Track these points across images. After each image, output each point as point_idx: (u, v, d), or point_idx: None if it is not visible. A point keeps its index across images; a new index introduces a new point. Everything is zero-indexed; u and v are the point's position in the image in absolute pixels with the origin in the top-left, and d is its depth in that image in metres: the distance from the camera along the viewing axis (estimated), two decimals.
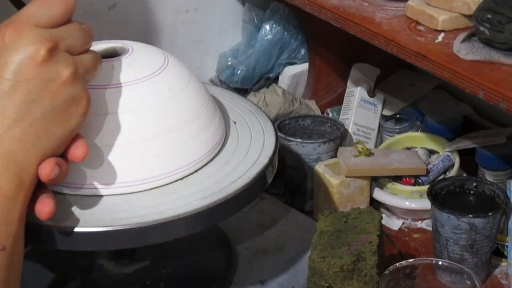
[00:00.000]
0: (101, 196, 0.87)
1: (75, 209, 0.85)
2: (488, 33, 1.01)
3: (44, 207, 0.77)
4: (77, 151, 0.80)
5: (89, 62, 0.80)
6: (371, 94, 1.43)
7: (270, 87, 1.46)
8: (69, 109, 0.77)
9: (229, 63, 1.57)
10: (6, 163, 0.74)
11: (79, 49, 0.79)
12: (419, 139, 1.37)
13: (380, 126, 1.43)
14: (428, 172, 1.29)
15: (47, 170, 0.76)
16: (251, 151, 0.96)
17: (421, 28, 1.10)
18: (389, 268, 0.94)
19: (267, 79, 1.56)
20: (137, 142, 0.87)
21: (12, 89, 0.74)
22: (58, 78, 0.76)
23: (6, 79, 0.74)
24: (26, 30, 0.75)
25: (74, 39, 0.78)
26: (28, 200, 0.76)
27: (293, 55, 1.55)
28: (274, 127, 1.02)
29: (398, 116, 1.44)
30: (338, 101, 1.48)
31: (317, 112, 1.47)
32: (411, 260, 0.96)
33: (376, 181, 1.29)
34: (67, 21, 0.78)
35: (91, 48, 0.82)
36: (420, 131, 1.40)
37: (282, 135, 1.30)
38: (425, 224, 1.27)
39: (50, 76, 0.75)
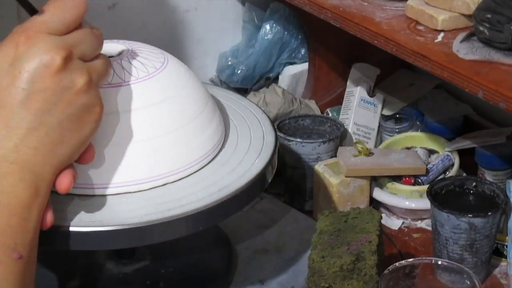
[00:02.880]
0: (101, 196, 0.87)
1: (74, 209, 0.85)
2: (487, 33, 1.01)
3: (43, 220, 0.76)
4: (85, 154, 0.80)
5: (101, 67, 0.79)
6: (371, 94, 1.43)
7: (270, 87, 1.47)
8: (83, 117, 0.77)
9: (229, 63, 1.57)
10: (23, 172, 0.74)
11: (92, 55, 0.79)
12: (419, 139, 1.37)
13: (380, 126, 1.43)
14: (427, 172, 1.29)
15: (66, 184, 0.77)
16: (250, 150, 0.96)
17: (421, 28, 1.10)
18: (389, 267, 0.94)
19: (267, 79, 1.57)
20: (136, 142, 0.87)
21: (28, 99, 0.74)
22: (73, 87, 0.75)
23: (22, 89, 0.74)
24: (39, 38, 0.74)
25: (87, 45, 0.78)
26: (43, 208, 0.75)
27: (293, 55, 1.55)
28: (274, 127, 1.02)
29: (398, 116, 1.44)
30: (338, 101, 1.48)
31: (317, 111, 1.47)
32: (410, 259, 0.96)
33: (376, 180, 1.30)
34: (78, 25, 0.78)
35: None
36: (420, 131, 1.40)
37: (282, 135, 1.30)
38: (425, 224, 1.27)
39: (65, 85, 0.75)
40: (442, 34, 1.08)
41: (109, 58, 0.83)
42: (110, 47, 0.92)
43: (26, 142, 0.74)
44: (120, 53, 0.91)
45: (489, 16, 1.00)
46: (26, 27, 0.76)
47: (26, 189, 0.74)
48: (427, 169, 1.29)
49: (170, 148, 0.89)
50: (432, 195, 1.13)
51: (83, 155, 0.80)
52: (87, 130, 0.78)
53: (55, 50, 0.74)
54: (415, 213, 1.28)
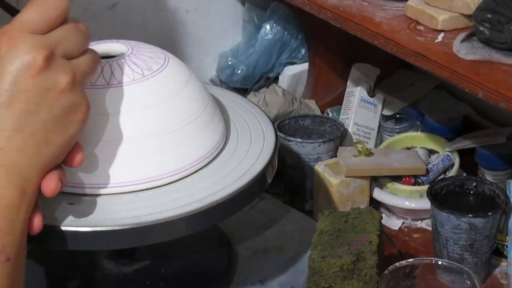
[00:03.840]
0: (101, 195, 0.87)
1: (74, 209, 0.85)
2: (487, 33, 1.01)
3: (31, 225, 0.76)
4: (75, 157, 0.79)
5: (86, 65, 0.78)
6: (371, 94, 1.43)
7: (270, 87, 1.47)
8: (68, 117, 0.76)
9: (229, 62, 1.57)
10: (9, 174, 0.73)
11: (76, 52, 0.77)
12: (419, 139, 1.37)
13: (380, 126, 1.43)
14: (428, 172, 1.29)
15: (52, 188, 0.76)
16: (251, 151, 0.96)
17: (421, 28, 1.10)
18: (389, 268, 0.94)
19: (267, 79, 1.57)
20: (137, 142, 0.87)
21: (11, 100, 0.73)
22: (56, 87, 0.75)
23: (4, 90, 0.73)
24: (21, 38, 0.74)
25: (71, 42, 0.76)
26: (30, 209, 0.75)
27: (293, 55, 1.55)
28: (274, 127, 1.02)
29: (398, 116, 1.44)
30: (338, 101, 1.48)
31: (317, 112, 1.47)
32: (411, 260, 0.96)
33: (376, 181, 1.30)
34: (62, 22, 0.76)
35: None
36: (420, 131, 1.40)
37: (282, 135, 1.30)
38: (425, 224, 1.27)
39: (48, 85, 0.74)
40: (442, 34, 1.08)
41: (97, 53, 0.81)
42: (110, 47, 0.92)
43: (11, 144, 0.73)
44: (120, 53, 0.91)
45: (489, 16, 1.00)
46: (8, 28, 0.75)
47: (13, 191, 0.73)
48: (427, 169, 1.29)
49: (170, 148, 0.89)
50: (432, 195, 1.13)
51: (73, 158, 0.79)
52: (73, 130, 0.77)
53: (37, 49, 0.73)
54: (415, 213, 1.28)
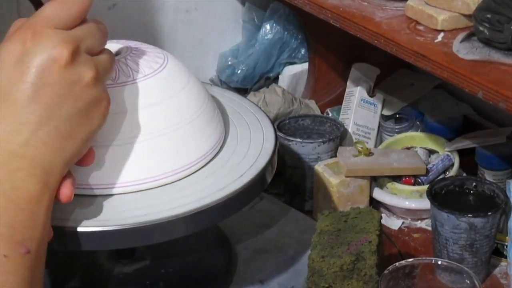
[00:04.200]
0: (101, 196, 0.87)
1: (74, 209, 0.85)
2: (487, 33, 1.01)
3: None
4: (88, 157, 0.80)
5: (106, 62, 0.80)
6: (371, 93, 1.43)
7: (270, 86, 1.47)
8: (91, 111, 0.77)
9: (229, 62, 1.57)
10: (32, 167, 0.73)
11: (98, 49, 0.79)
12: (418, 139, 1.37)
13: (379, 125, 1.43)
14: (427, 171, 1.29)
15: (68, 195, 0.77)
16: (250, 151, 0.96)
17: (421, 27, 1.10)
18: (389, 267, 0.94)
19: (267, 79, 1.57)
20: (136, 142, 0.87)
21: (37, 93, 0.74)
22: (81, 81, 0.76)
23: (30, 84, 0.74)
24: (46, 33, 0.75)
25: (93, 39, 0.78)
26: (52, 202, 0.75)
27: (293, 54, 1.55)
28: (274, 127, 1.02)
29: (397, 115, 1.44)
30: (337, 100, 1.48)
31: (317, 111, 1.47)
32: (410, 259, 0.96)
33: (376, 180, 1.30)
34: (83, 20, 0.78)
35: None
36: (420, 131, 1.40)
37: (281, 135, 1.30)
38: (425, 224, 1.27)
39: (74, 78, 0.75)
40: (442, 34, 1.08)
41: (113, 53, 0.83)
42: (110, 47, 0.92)
43: (36, 137, 0.74)
44: (119, 53, 0.91)
45: (489, 16, 1.00)
46: (32, 22, 0.76)
47: (36, 184, 0.73)
48: (427, 169, 1.29)
49: (170, 148, 0.89)
50: (432, 195, 1.13)
51: (84, 157, 0.80)
52: (95, 124, 0.78)
53: (63, 44, 0.75)
54: (415, 213, 1.28)
